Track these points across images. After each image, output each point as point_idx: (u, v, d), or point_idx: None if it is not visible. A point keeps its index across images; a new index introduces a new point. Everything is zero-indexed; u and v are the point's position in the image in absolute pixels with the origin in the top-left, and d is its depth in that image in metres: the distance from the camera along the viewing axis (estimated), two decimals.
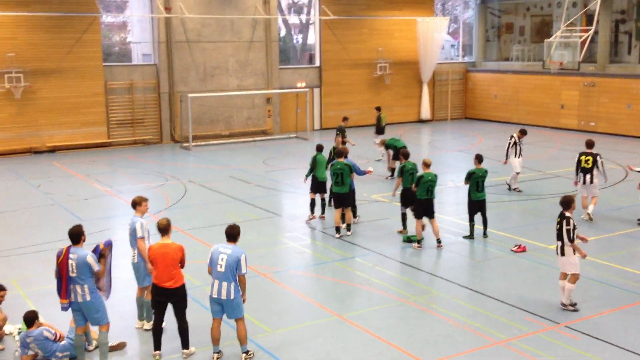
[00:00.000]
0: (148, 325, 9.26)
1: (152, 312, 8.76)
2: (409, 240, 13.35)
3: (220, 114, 27.73)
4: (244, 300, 8.45)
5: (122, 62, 27.49)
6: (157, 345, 8.59)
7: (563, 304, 10.03)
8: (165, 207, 16.36)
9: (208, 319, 8.94)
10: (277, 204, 17.00)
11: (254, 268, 11.51)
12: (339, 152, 14.10)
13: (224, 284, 8.23)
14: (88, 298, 8.13)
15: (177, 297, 8.44)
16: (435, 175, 13.08)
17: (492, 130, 29.66)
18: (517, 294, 10.69)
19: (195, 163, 22.76)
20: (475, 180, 13.39)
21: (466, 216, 13.78)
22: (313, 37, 31.08)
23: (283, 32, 32.28)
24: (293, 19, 33.38)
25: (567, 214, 9.86)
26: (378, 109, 23.10)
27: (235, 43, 27.74)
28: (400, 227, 14.00)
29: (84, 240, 8.27)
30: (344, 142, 18.08)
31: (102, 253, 8.37)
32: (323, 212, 15.06)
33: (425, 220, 13.12)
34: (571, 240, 9.76)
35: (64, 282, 8.13)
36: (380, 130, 22.50)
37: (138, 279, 9.29)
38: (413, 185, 13.24)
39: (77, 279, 8.07)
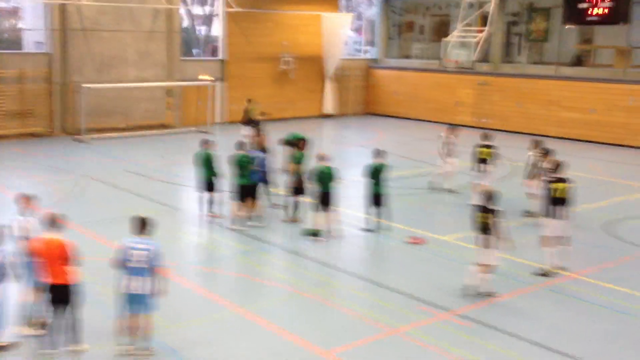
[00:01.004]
0: (29, 330, 8.76)
1: (36, 315, 8.50)
2: (308, 234, 13.40)
3: (117, 106, 26.76)
4: (163, 293, 8.31)
5: (12, 50, 25.99)
6: (53, 344, 8.24)
7: (478, 292, 10.34)
8: (56, 202, 15.60)
9: (101, 316, 8.61)
10: (176, 198, 16.63)
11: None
12: (239, 144, 14.05)
13: (140, 278, 8.12)
14: None
15: (67, 293, 8.11)
16: (329, 168, 13.12)
17: (393, 126, 30.38)
18: (413, 284, 10.96)
19: (90, 156, 21.87)
20: (375, 175, 13.63)
21: (366, 209, 14.00)
22: (217, 29, 30.63)
23: (186, 23, 31.61)
24: (196, 10, 32.76)
25: (493, 207, 10.09)
26: (249, 100, 22.99)
27: (134, 33, 26.86)
28: (289, 216, 14.26)
29: None
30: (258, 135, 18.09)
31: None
32: (211, 210, 14.40)
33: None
34: (499, 233, 10.06)
35: None
36: (248, 122, 21.76)
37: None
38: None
39: None
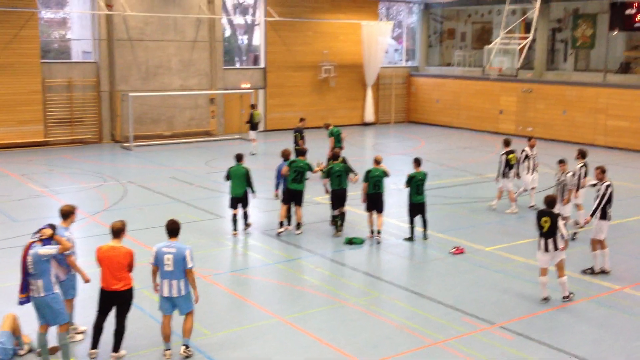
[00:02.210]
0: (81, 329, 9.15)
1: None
2: (350, 242, 13.47)
3: (162, 113, 27.33)
4: (196, 299, 8.59)
5: (61, 60, 26.78)
6: (95, 344, 8.52)
7: (564, 297, 10.59)
8: (103, 209, 16.00)
9: (146, 320, 8.76)
10: (219, 206, 16.84)
11: (195, 270, 11.36)
12: (301, 151, 14.48)
13: (174, 282, 8.38)
14: (42, 294, 8.03)
15: (123, 299, 8.40)
16: (383, 172, 13.53)
17: (434, 134, 30.21)
18: (454, 295, 10.90)
19: (136, 163, 22.35)
20: (415, 184, 13.61)
21: (407, 218, 13.98)
22: (258, 38, 30.98)
23: (228, 33, 32.07)
24: (238, 20, 33.20)
25: (557, 211, 10.40)
26: (252, 106, 24.55)
27: (178, 42, 27.39)
28: (334, 231, 14.16)
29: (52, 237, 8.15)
30: (298, 143, 19.30)
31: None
32: (246, 225, 14.31)
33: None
34: (564, 236, 10.29)
35: (22, 277, 8.13)
36: (253, 127, 23.95)
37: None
38: (355, 177, 14.31)
39: (33, 274, 8.02)
